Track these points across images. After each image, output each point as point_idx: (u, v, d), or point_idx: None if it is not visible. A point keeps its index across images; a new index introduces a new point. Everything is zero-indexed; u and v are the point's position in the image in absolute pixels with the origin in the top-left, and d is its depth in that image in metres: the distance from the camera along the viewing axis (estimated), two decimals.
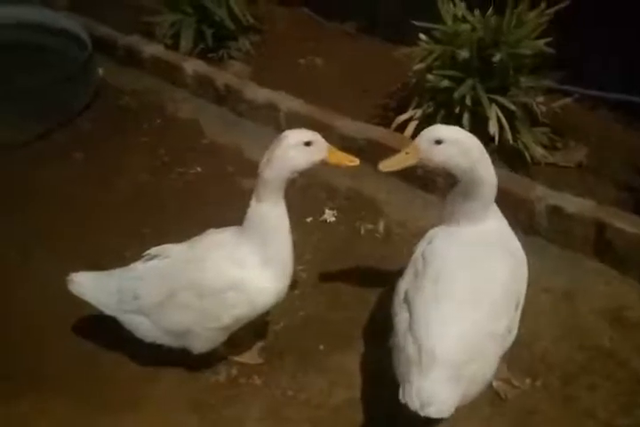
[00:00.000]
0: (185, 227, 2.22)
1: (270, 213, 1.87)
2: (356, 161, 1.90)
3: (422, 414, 1.57)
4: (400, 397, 1.62)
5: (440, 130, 1.79)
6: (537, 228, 2.54)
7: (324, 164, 1.88)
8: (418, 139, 1.80)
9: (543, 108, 2.94)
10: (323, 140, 1.85)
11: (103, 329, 2.20)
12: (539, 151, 2.88)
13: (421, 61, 2.91)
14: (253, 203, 1.89)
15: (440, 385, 1.58)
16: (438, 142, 1.76)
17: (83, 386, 2.13)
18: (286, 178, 1.84)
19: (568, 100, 3.07)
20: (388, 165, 1.86)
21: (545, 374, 2.08)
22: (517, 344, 1.84)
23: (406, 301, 1.79)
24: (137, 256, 2.10)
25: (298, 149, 1.81)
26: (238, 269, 1.91)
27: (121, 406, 2.06)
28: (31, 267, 2.60)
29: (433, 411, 1.56)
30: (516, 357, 2.08)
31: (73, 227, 2.80)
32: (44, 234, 2.76)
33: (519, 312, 1.82)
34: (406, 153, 1.83)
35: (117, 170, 3.15)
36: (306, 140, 1.81)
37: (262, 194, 1.86)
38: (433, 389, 1.57)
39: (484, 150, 1.80)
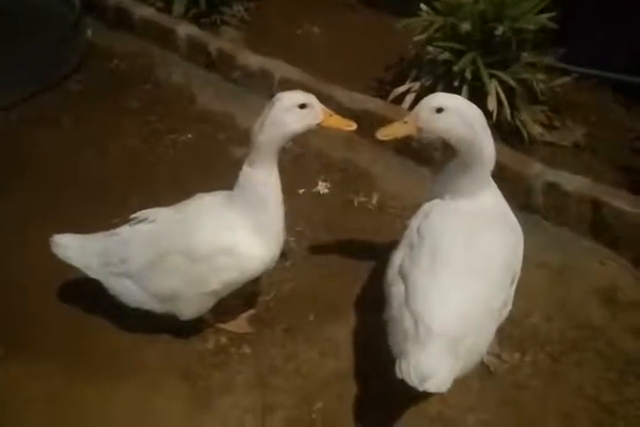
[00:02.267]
0: (174, 194, 2.15)
1: (262, 180, 1.82)
2: (353, 125, 1.83)
3: (420, 389, 1.54)
4: (396, 372, 1.59)
5: (441, 98, 1.73)
6: (533, 204, 2.52)
7: (320, 128, 1.81)
8: (417, 107, 1.74)
9: (542, 86, 2.90)
10: (318, 102, 1.78)
11: (89, 295, 2.15)
12: (536, 129, 2.85)
13: (422, 33, 2.85)
14: (245, 168, 1.84)
15: (438, 359, 1.55)
16: (439, 111, 1.70)
17: (71, 353, 2.09)
18: (280, 142, 1.78)
19: (568, 78, 3.03)
20: (385, 133, 1.80)
21: (535, 350, 2.08)
22: (509, 320, 1.83)
23: (401, 274, 1.76)
24: (124, 223, 2.04)
25: (292, 112, 1.74)
26: (229, 233, 1.86)
27: (109, 374, 2.03)
28: (17, 234, 2.53)
29: (431, 386, 1.53)
30: (507, 332, 2.08)
31: (60, 193, 2.72)
32: (29, 200, 2.68)
33: (514, 286, 1.80)
34: (404, 122, 1.77)
35: (106, 135, 3.06)
36: (300, 102, 1.74)
37: (255, 159, 1.80)
38: (430, 363, 1.54)
39: (485, 121, 1.75)
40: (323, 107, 1.79)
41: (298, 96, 1.75)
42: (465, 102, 1.74)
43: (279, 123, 1.73)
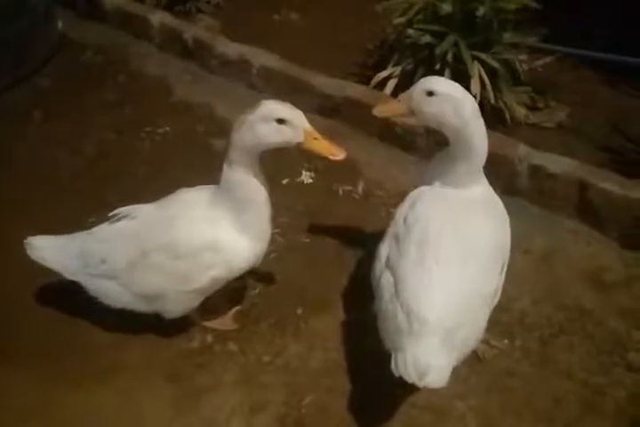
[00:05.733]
0: (152, 190, 2.10)
1: (241, 181, 1.76)
2: (339, 155, 1.70)
3: (421, 385, 1.51)
4: (392, 369, 1.56)
5: (434, 81, 1.71)
6: (518, 188, 2.49)
7: (300, 148, 1.71)
8: (412, 88, 1.73)
9: (525, 67, 2.87)
10: (303, 121, 1.66)
11: (65, 296, 2.10)
12: (520, 111, 2.82)
13: (402, 15, 2.80)
14: (225, 167, 1.78)
15: (435, 353, 1.53)
16: (430, 94, 1.68)
17: (49, 358, 2.03)
18: (256, 150, 1.72)
19: (550, 58, 3.00)
20: (380, 110, 1.83)
21: (523, 335, 2.07)
22: (496, 305, 1.80)
23: (389, 266, 1.73)
24: (101, 222, 1.98)
25: (268, 124, 1.66)
26: (214, 228, 1.81)
27: (91, 377, 1.98)
28: None
29: (431, 381, 1.51)
30: (496, 317, 2.05)
31: (32, 191, 2.65)
32: (1, 199, 2.60)
33: (504, 274, 1.78)
34: (398, 101, 1.77)
35: (80, 130, 2.98)
36: (277, 117, 1.65)
37: (234, 160, 1.74)
38: (428, 358, 1.52)
39: (479, 113, 1.72)
40: (308, 127, 1.67)
41: (278, 109, 1.66)
42: (458, 89, 1.70)
43: (254, 131, 1.67)
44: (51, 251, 1.95)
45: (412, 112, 1.73)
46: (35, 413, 1.91)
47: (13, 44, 3.20)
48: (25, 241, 1.97)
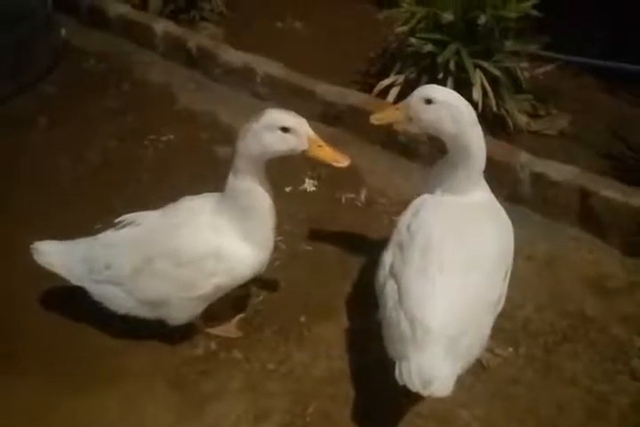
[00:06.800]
0: (157, 198, 2.12)
1: (246, 190, 1.77)
2: (343, 162, 1.72)
3: (425, 393, 1.51)
4: (397, 377, 1.56)
5: (431, 90, 1.74)
6: (520, 195, 2.50)
7: (304, 155, 1.73)
8: (410, 96, 1.76)
9: (526, 75, 2.90)
10: (307, 129, 1.68)
11: (71, 302, 2.11)
12: (522, 119, 2.84)
13: (404, 24, 2.82)
14: (231, 176, 1.79)
15: (439, 362, 1.52)
16: (428, 102, 1.71)
17: (53, 364, 2.04)
18: (261, 158, 1.73)
19: (551, 66, 3.03)
20: (378, 117, 1.85)
21: (527, 343, 2.07)
22: (500, 313, 1.81)
23: (392, 274, 1.73)
24: (106, 229, 2.00)
25: (273, 133, 1.67)
26: (218, 236, 1.82)
27: (95, 383, 1.98)
28: None
29: (436, 389, 1.51)
30: (499, 325, 2.05)
31: (37, 197, 2.66)
32: (7, 206, 2.61)
33: (507, 282, 1.79)
34: (397, 109, 1.80)
35: (84, 137, 3.00)
36: (281, 125, 1.66)
37: (239, 168, 1.75)
38: (432, 367, 1.52)
39: (476, 120, 1.74)
40: (312, 135, 1.69)
41: (282, 118, 1.67)
42: (455, 97, 1.73)
43: (257, 139, 1.69)
44: (57, 256, 1.96)
45: (409, 119, 1.76)
46: (38, 418, 1.91)
47: (14, 47, 3.19)
48: (31, 246, 1.98)
